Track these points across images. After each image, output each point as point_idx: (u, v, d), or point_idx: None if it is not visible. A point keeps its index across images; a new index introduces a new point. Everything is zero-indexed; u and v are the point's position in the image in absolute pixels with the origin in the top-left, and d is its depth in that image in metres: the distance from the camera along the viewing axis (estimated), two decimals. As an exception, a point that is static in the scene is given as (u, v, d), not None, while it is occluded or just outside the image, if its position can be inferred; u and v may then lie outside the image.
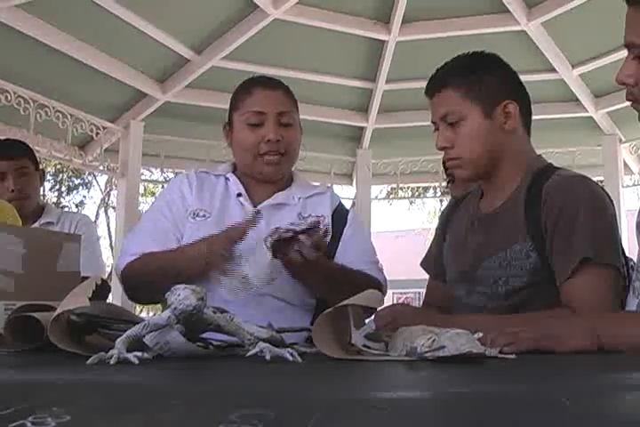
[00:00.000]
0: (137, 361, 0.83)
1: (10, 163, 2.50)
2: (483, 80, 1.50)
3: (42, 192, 2.87)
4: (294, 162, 1.78)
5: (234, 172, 1.80)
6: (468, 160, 1.51)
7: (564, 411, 0.50)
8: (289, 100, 1.74)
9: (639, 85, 1.15)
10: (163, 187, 6.06)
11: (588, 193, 1.44)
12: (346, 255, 1.71)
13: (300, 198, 1.76)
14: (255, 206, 1.72)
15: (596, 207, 1.43)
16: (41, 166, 2.73)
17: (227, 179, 1.78)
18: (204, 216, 1.68)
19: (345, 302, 0.99)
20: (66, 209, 12.73)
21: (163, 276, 1.53)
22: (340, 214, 1.79)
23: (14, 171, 2.49)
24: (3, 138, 2.94)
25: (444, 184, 3.70)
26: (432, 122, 1.57)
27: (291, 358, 0.87)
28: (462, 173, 1.54)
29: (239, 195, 1.74)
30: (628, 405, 0.56)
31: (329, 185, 1.95)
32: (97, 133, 4.79)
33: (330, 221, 1.74)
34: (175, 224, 1.70)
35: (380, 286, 1.63)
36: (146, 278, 1.61)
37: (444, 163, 2.68)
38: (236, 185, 1.75)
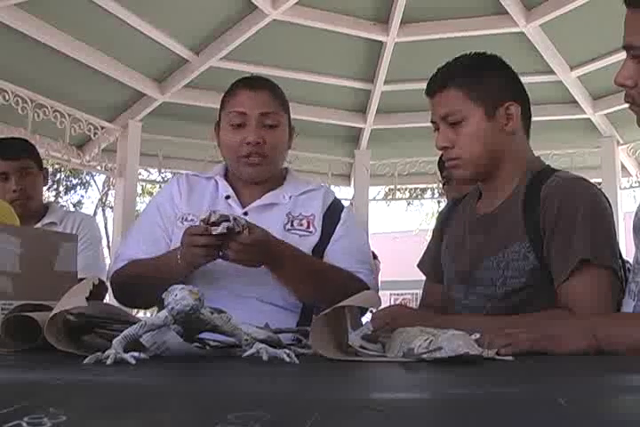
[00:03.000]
0: (134, 361, 0.83)
1: (12, 163, 2.48)
2: (486, 81, 1.50)
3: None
4: (279, 163, 1.76)
5: (226, 173, 1.78)
6: (467, 160, 1.50)
7: (562, 412, 0.50)
8: (275, 100, 1.71)
9: (638, 87, 1.15)
10: (160, 187, 6.05)
11: (587, 195, 1.44)
12: (335, 254, 1.69)
13: (290, 197, 1.73)
14: (244, 208, 1.70)
15: (595, 209, 1.42)
16: (44, 165, 2.72)
17: (215, 182, 1.76)
18: (192, 220, 1.65)
19: (342, 304, 0.99)
20: (64, 209, 12.69)
21: (147, 282, 1.53)
22: (333, 212, 1.75)
23: (17, 171, 2.48)
24: (6, 137, 2.92)
25: (440, 186, 3.70)
26: (432, 121, 1.56)
27: (288, 359, 0.87)
28: (461, 173, 1.53)
29: (227, 197, 1.72)
30: (627, 406, 0.56)
31: (323, 184, 1.91)
32: (95, 133, 4.79)
33: (321, 219, 1.72)
34: (165, 229, 1.69)
35: (365, 287, 1.59)
36: (131, 286, 1.62)
37: (439, 164, 2.69)
38: (224, 187, 1.73)
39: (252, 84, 1.72)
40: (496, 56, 1.57)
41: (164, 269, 1.53)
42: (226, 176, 1.78)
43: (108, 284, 1.71)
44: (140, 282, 1.58)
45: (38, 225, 2.48)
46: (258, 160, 1.67)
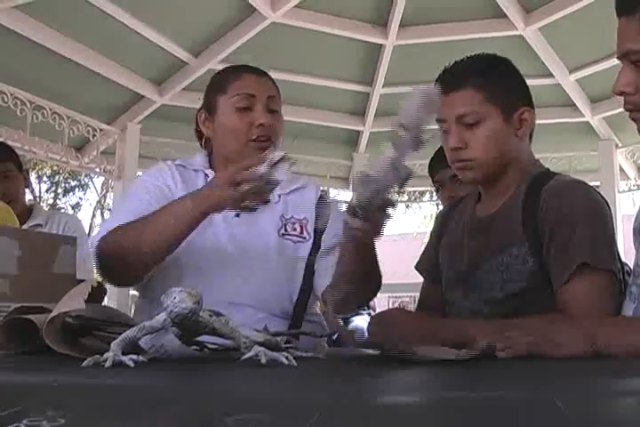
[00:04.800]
0: (132, 364, 0.83)
1: None
2: (503, 83, 1.49)
3: (38, 194, 2.87)
4: None
5: (210, 166, 1.69)
6: (480, 162, 1.48)
7: (560, 415, 0.50)
8: (275, 86, 1.69)
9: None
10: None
11: (586, 198, 1.44)
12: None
13: (279, 195, 1.66)
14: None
15: (594, 212, 1.42)
16: (24, 167, 2.71)
17: (206, 175, 1.66)
18: None
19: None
20: (62, 211, 12.67)
21: (139, 241, 1.41)
22: (321, 203, 1.67)
23: None
24: None
25: (434, 191, 3.65)
26: (438, 120, 1.52)
27: (286, 362, 0.87)
28: (472, 175, 1.51)
29: None
30: (625, 408, 0.56)
31: (309, 179, 1.80)
32: (94, 135, 4.79)
33: (313, 223, 1.64)
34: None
35: None
36: (120, 249, 1.46)
37: (430, 169, 2.64)
38: None
39: (255, 69, 1.70)
40: (507, 59, 1.56)
41: (166, 217, 1.40)
42: (211, 168, 1.68)
43: (93, 257, 1.56)
44: (132, 242, 1.43)
45: (24, 227, 2.48)
46: (267, 145, 1.57)
